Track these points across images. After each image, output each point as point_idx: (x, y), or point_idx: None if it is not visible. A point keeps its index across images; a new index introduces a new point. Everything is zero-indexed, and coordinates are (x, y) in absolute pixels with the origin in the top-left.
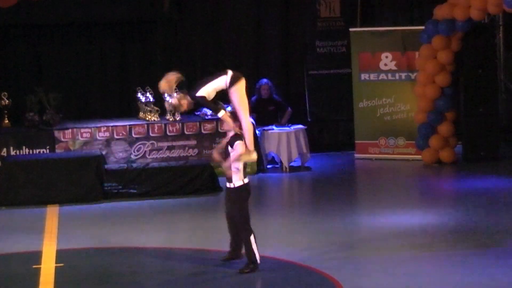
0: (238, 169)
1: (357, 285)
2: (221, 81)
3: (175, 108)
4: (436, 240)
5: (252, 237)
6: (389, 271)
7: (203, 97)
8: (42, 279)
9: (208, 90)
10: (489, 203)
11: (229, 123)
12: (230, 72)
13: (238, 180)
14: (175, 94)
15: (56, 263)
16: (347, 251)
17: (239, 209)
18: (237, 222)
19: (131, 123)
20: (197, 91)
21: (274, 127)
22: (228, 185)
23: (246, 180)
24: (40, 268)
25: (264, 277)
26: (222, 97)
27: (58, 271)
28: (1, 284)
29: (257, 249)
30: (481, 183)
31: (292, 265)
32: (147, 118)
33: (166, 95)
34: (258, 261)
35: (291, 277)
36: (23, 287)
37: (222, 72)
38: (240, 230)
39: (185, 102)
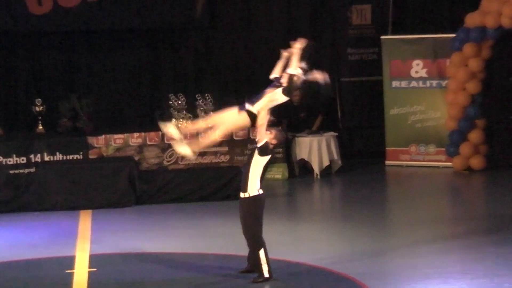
0: (256, 177)
1: None
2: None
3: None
4: (468, 247)
5: (262, 252)
6: (420, 277)
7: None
8: (75, 283)
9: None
10: None
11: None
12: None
13: (254, 190)
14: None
15: (89, 268)
16: (377, 257)
17: (251, 221)
18: (247, 234)
19: None
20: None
21: (305, 133)
22: (241, 195)
23: (261, 191)
24: (73, 272)
25: (293, 282)
26: None
27: (91, 276)
28: None
29: (268, 263)
30: (511, 190)
31: (321, 270)
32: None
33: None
34: (266, 275)
35: (320, 282)
36: None
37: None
38: (249, 243)
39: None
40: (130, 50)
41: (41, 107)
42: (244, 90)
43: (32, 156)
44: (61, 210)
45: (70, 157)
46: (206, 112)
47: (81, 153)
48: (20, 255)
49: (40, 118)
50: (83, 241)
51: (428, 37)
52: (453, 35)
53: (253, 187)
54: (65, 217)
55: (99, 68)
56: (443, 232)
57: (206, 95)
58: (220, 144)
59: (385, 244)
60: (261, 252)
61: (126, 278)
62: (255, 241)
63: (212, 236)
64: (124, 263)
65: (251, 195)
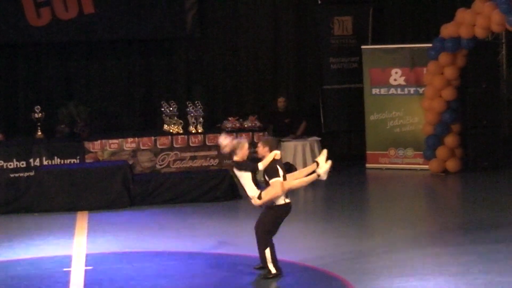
0: None
1: (368, 286)
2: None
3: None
4: (444, 245)
5: (268, 251)
6: (399, 274)
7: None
8: (72, 281)
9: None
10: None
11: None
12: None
13: (280, 199)
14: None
15: (85, 266)
16: (359, 255)
17: (268, 223)
18: (258, 233)
19: (156, 134)
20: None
21: (290, 138)
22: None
23: (287, 200)
24: (70, 270)
25: (280, 280)
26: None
27: (87, 274)
28: (33, 285)
29: (275, 261)
30: (484, 191)
31: (306, 267)
32: (171, 130)
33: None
34: (274, 271)
35: (305, 279)
36: None
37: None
38: (258, 241)
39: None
40: (124, 60)
41: (40, 114)
42: (232, 98)
43: (31, 160)
44: (59, 212)
45: (67, 161)
46: (197, 119)
47: (78, 157)
48: (20, 254)
49: (39, 124)
50: (80, 241)
51: (406, 47)
52: (430, 44)
53: (280, 197)
54: (62, 218)
55: (95, 77)
56: (420, 231)
57: (196, 102)
58: (209, 148)
59: (366, 242)
60: (267, 251)
61: (121, 275)
62: (264, 241)
63: (202, 236)
64: (119, 261)
65: (276, 203)
